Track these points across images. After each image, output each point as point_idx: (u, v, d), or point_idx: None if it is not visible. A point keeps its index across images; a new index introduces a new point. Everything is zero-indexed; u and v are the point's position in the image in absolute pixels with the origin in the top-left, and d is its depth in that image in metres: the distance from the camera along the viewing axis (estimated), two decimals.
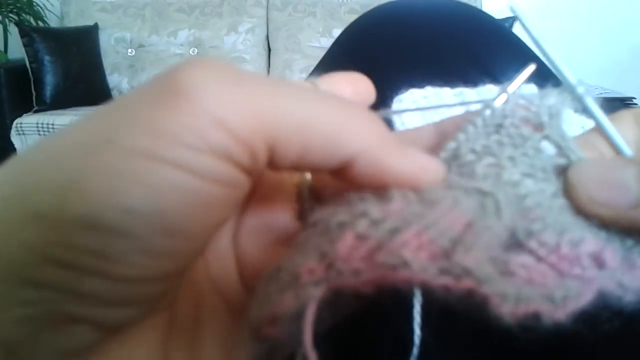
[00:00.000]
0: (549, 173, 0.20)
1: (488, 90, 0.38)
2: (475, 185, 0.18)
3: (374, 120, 0.18)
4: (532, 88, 0.21)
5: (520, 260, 0.16)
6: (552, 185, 0.19)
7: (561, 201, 0.19)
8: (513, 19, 2.45)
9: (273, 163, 0.17)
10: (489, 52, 0.47)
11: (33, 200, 0.15)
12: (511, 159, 0.19)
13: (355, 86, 0.22)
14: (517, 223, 0.18)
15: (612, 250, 0.18)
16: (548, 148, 0.20)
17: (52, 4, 2.83)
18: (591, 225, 0.19)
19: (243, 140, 0.16)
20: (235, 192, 0.17)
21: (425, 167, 0.18)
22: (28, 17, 2.72)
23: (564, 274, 0.17)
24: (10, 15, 2.68)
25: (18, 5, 2.68)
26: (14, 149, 2.31)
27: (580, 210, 0.19)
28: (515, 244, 0.17)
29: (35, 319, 0.15)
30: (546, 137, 0.20)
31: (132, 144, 0.15)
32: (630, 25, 2.81)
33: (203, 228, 0.17)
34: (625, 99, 2.26)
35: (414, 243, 0.15)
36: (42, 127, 2.26)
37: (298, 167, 0.18)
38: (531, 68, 0.21)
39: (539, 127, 0.20)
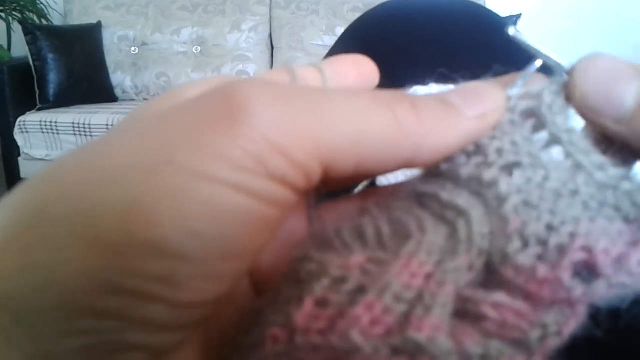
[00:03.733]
0: (535, 157, 0.18)
1: None
2: (450, 200, 0.17)
3: (426, 107, 0.18)
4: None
5: (493, 299, 0.15)
6: (541, 169, 0.18)
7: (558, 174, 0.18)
8: (517, 16, 2.45)
9: (327, 179, 0.17)
10: (492, 50, 0.47)
11: (94, 225, 0.14)
12: (499, 151, 0.18)
13: (360, 69, 0.22)
14: (494, 243, 0.17)
15: (607, 245, 0.16)
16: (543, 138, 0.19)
17: (55, 2, 2.84)
18: (595, 197, 0.17)
19: (299, 164, 0.16)
20: (287, 211, 0.17)
21: (482, 115, 0.18)
22: (31, 15, 2.73)
23: (546, 303, 0.15)
24: (14, 13, 2.69)
25: (22, 3, 2.69)
26: (17, 147, 2.32)
27: (571, 104, 0.19)
28: (491, 272, 0.16)
29: (93, 347, 0.15)
30: (553, 139, 0.19)
31: (193, 166, 0.15)
32: (634, 23, 2.80)
33: (256, 248, 0.17)
34: None
35: (367, 318, 0.15)
36: (46, 125, 2.27)
37: (354, 179, 0.17)
38: (538, 63, 0.20)
39: (541, 123, 0.19)
